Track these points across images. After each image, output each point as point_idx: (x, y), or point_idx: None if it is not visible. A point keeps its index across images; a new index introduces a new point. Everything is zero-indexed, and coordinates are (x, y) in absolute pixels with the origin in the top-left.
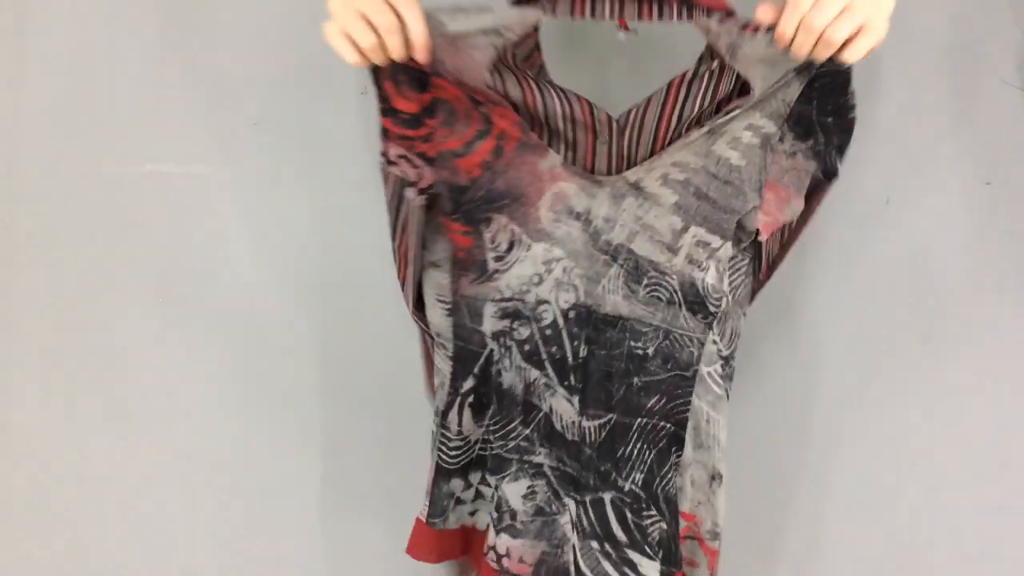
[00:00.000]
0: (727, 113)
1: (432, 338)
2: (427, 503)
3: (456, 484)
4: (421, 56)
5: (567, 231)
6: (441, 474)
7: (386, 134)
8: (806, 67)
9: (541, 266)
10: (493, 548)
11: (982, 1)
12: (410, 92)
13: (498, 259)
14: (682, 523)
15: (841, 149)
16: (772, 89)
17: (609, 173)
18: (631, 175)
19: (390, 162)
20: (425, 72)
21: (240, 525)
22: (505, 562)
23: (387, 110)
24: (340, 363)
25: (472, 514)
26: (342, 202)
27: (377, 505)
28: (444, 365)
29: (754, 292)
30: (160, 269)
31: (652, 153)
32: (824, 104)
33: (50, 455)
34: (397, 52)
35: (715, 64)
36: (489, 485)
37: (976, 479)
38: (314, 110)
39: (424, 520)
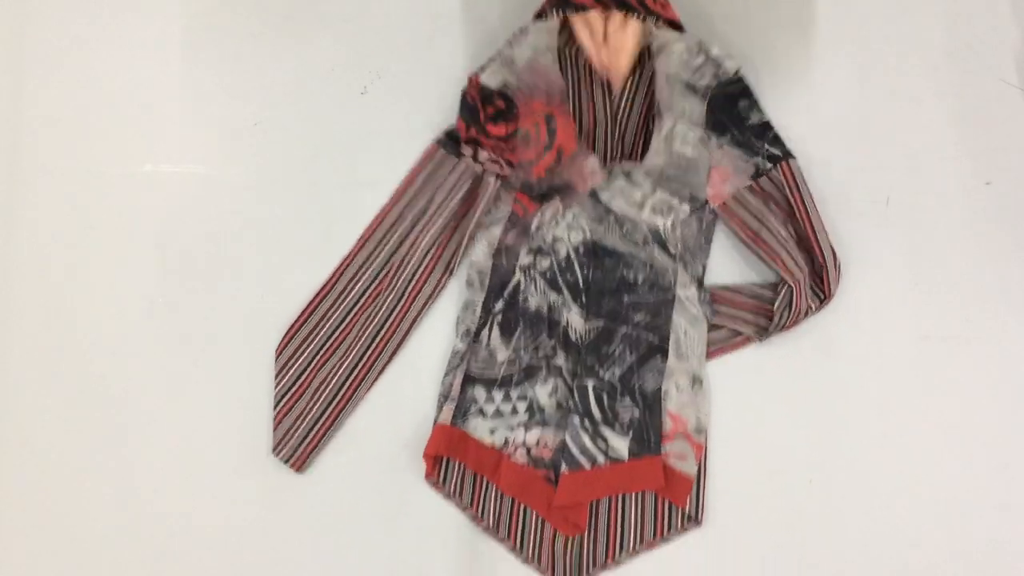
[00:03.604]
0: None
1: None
2: (452, 408)
3: (479, 393)
4: None
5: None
6: (468, 380)
7: (479, 144)
8: (692, 88)
9: (559, 214)
10: (524, 444)
11: (982, 1)
12: (502, 123)
13: (538, 228)
14: (670, 423)
15: (761, 137)
16: (675, 101)
17: (605, 144)
18: (625, 166)
19: (476, 160)
20: (515, 111)
21: (243, 525)
22: (534, 451)
23: (483, 131)
24: None
25: (492, 432)
26: (342, 202)
27: (383, 511)
28: (477, 297)
29: (824, 280)
30: (160, 269)
31: (627, 132)
32: (725, 112)
33: (50, 455)
34: None
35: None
36: (511, 400)
37: (976, 479)
38: (314, 110)
39: (447, 422)
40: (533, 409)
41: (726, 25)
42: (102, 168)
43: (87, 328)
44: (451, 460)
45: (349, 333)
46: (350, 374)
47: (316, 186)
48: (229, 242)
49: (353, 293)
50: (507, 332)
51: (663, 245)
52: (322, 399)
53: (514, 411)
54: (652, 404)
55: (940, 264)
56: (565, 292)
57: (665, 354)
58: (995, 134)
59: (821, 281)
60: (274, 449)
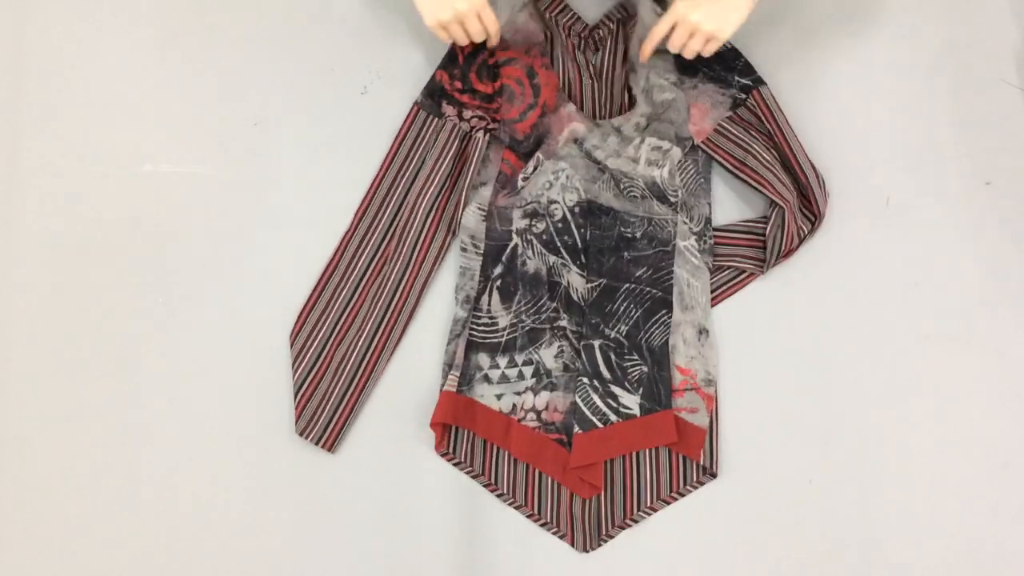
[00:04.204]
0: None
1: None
2: (457, 375)
3: (483, 359)
4: (495, 37)
5: (568, 151)
6: (471, 347)
7: (462, 104)
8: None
9: (551, 175)
10: (533, 409)
11: (982, 1)
12: (487, 79)
13: (525, 179)
14: (680, 377)
15: (731, 69)
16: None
17: (593, 103)
18: (615, 122)
19: (462, 119)
20: (498, 64)
21: (242, 525)
22: (544, 415)
23: (468, 90)
24: None
25: (499, 397)
26: (342, 202)
27: (387, 515)
28: (473, 263)
29: (810, 200)
30: (160, 269)
31: (615, 90)
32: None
33: (50, 455)
34: (477, 35)
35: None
36: (516, 365)
37: (976, 479)
38: (314, 110)
39: (453, 389)
40: (540, 373)
41: None
42: (102, 168)
43: (87, 328)
44: (459, 430)
45: (362, 306)
46: (369, 346)
47: (316, 186)
48: (229, 242)
49: (359, 266)
50: (507, 297)
51: (662, 197)
52: (345, 375)
53: (520, 376)
54: (660, 359)
55: (940, 264)
56: (564, 253)
57: (670, 307)
58: (995, 134)
59: (808, 202)
60: (301, 432)
